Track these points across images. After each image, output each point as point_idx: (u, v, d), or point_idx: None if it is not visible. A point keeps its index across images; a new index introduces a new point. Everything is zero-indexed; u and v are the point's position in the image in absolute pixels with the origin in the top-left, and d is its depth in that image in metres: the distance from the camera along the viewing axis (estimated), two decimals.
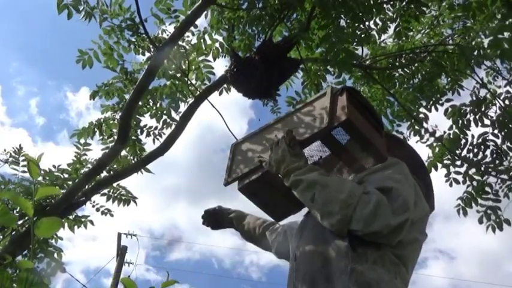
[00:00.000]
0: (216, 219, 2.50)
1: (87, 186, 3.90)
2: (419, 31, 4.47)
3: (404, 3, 3.76)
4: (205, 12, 3.76)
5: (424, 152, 4.39)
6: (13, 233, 3.83)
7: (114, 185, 4.20)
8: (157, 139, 4.24)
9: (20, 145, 4.05)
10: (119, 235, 14.57)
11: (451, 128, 4.07)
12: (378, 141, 1.88)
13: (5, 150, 4.02)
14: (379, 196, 1.55)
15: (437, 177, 4.45)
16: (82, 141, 4.16)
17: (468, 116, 3.96)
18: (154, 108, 4.17)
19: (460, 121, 3.92)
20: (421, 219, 1.69)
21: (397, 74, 4.26)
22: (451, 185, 4.10)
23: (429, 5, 4.07)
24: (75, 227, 4.20)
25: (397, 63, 4.17)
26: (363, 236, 1.54)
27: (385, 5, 3.86)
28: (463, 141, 4.06)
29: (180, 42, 3.80)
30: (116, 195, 4.22)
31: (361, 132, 1.80)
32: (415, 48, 4.15)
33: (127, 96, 4.13)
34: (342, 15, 3.40)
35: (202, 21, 3.90)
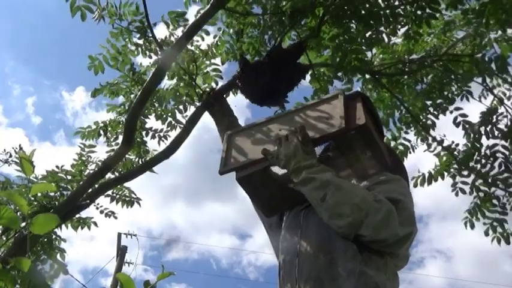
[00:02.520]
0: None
1: (91, 189, 3.86)
2: (430, 34, 4.39)
3: (414, 7, 3.68)
4: (217, 16, 3.70)
5: (431, 160, 4.36)
6: (16, 235, 3.80)
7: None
8: (163, 141, 4.20)
9: (19, 145, 4.03)
10: (119, 235, 14.41)
11: (465, 145, 4.04)
12: (384, 149, 1.93)
13: (4, 150, 4.00)
14: (390, 206, 1.59)
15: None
16: (87, 142, 4.11)
17: (479, 128, 3.92)
18: (159, 109, 4.11)
19: (472, 135, 3.89)
20: (413, 238, 1.72)
21: (405, 77, 4.21)
22: (457, 194, 4.10)
23: (441, 9, 3.99)
24: (79, 228, 4.19)
25: (406, 69, 4.11)
26: (369, 241, 1.58)
27: (396, 10, 3.81)
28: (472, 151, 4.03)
29: (188, 46, 3.74)
30: (119, 196, 4.18)
31: (374, 138, 1.84)
32: (426, 57, 4.07)
33: (133, 96, 4.09)
34: (354, 22, 3.36)
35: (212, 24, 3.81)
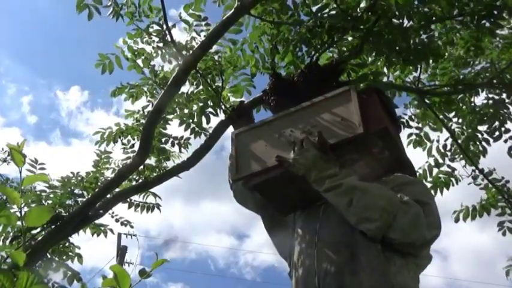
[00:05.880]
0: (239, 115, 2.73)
1: (109, 195, 3.67)
2: (491, 43, 3.84)
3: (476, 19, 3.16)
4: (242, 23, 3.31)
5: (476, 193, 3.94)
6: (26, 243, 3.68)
7: None
8: (185, 148, 3.91)
9: (17, 144, 3.85)
10: (119, 235, 14.41)
11: None
12: (402, 148, 1.89)
13: (2, 149, 3.86)
14: (418, 208, 1.59)
15: None
16: (102, 147, 3.88)
17: None
18: (181, 114, 3.78)
19: None
20: None
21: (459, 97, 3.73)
22: (504, 234, 3.70)
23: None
24: (95, 234, 4.06)
25: (460, 86, 3.61)
26: (398, 244, 1.57)
27: (453, 20, 3.32)
28: None
29: (215, 57, 3.39)
30: (139, 202, 3.98)
31: (393, 138, 1.80)
32: (483, 82, 3.55)
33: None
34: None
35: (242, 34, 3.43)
